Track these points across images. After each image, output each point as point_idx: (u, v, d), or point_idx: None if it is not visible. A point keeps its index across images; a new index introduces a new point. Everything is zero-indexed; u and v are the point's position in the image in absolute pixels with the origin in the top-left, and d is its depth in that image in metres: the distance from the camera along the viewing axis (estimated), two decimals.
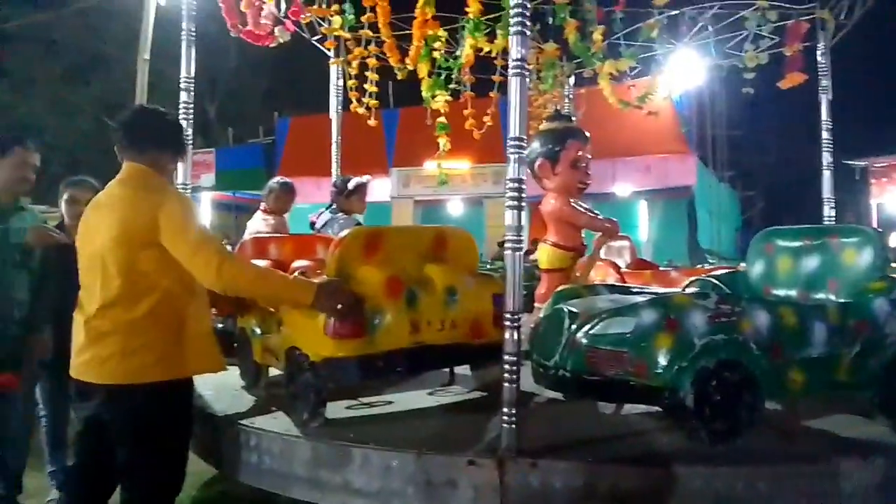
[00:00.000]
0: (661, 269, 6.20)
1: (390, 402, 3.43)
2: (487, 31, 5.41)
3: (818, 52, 5.48)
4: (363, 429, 2.98)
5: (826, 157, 5.56)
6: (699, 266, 7.66)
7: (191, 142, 4.16)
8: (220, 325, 4.27)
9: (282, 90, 23.87)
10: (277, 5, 5.24)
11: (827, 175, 5.56)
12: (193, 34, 4.12)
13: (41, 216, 3.92)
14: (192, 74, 4.12)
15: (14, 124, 18.52)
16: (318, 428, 2.96)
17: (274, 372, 3.64)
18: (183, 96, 4.11)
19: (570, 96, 7.25)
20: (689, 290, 3.43)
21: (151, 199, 2.46)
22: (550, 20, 5.91)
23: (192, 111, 4.14)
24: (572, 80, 7.20)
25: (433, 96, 5.90)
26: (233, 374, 3.93)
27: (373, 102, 6.23)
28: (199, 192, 16.31)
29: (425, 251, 3.35)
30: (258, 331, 3.57)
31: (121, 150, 2.58)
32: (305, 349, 3.01)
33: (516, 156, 2.63)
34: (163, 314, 2.46)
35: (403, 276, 3.11)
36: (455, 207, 17.38)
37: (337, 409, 3.22)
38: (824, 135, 5.53)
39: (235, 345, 4.00)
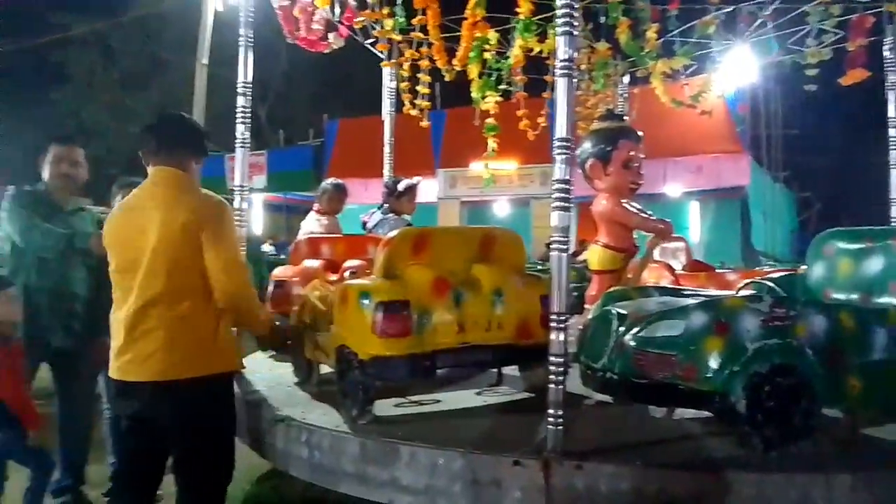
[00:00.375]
0: (717, 271, 6.05)
1: (438, 401, 3.46)
2: (538, 31, 5.38)
3: (885, 47, 5.26)
4: (411, 427, 3.02)
5: (893, 156, 5.34)
6: (756, 268, 7.44)
7: (248, 144, 4.28)
8: (277, 322, 4.39)
9: (330, 93, 24.17)
10: (332, 10, 5.33)
11: (894, 174, 5.34)
12: (251, 40, 4.23)
13: (100, 217, 4.09)
14: (250, 79, 4.24)
15: (76, 128, 19.33)
16: (366, 425, 3.02)
17: (326, 368, 3.71)
18: (240, 101, 4.22)
19: (625, 95, 7.15)
20: (742, 293, 3.35)
21: (193, 201, 2.58)
22: (603, 19, 5.84)
23: (249, 115, 4.26)
24: (626, 79, 7.09)
25: (483, 97, 5.90)
26: (287, 370, 4.05)
27: (425, 104, 6.27)
28: (251, 194, 16.73)
29: (473, 252, 3.37)
30: (310, 329, 3.66)
31: (149, 153, 2.66)
32: (354, 347, 3.07)
33: (563, 157, 2.62)
34: (201, 312, 2.55)
35: (450, 277, 3.14)
36: (501, 208, 17.32)
37: (386, 407, 3.27)
38: (891, 132, 5.31)
39: (289, 342, 4.11)
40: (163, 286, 2.49)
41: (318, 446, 3.02)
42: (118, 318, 2.57)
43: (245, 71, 4.23)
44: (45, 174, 3.74)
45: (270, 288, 4.53)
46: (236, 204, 4.20)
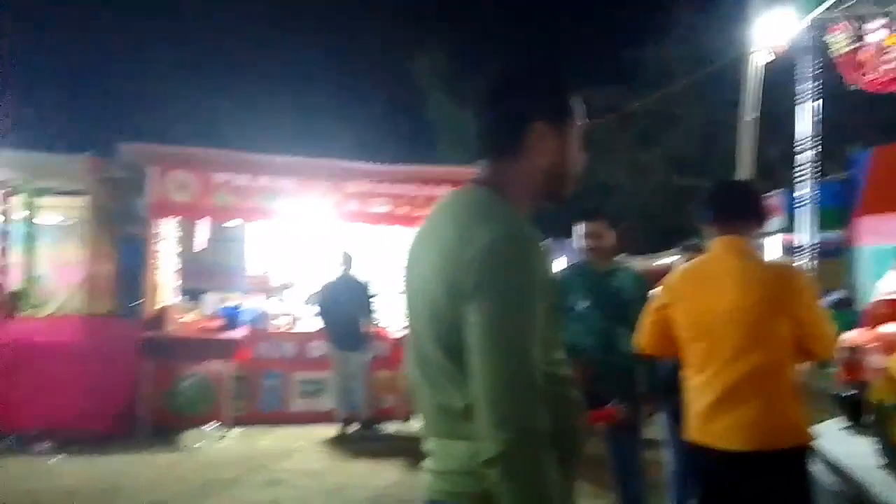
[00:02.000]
0: None
1: None
2: None
3: None
4: None
5: None
6: None
7: (814, 202, 4.11)
8: (851, 392, 4.06)
9: (848, 121, 21.62)
10: None
11: None
12: (819, 90, 4.05)
13: (635, 273, 4.30)
14: (816, 133, 4.07)
15: (595, 187, 21.57)
16: None
17: None
18: (802, 157, 4.09)
19: None
20: None
21: (782, 271, 2.53)
22: None
23: (817, 174, 4.09)
24: None
25: None
26: (866, 447, 3.66)
27: None
28: (769, 236, 15.97)
29: None
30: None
31: (707, 222, 2.64)
32: None
33: None
34: (788, 378, 2.46)
35: None
36: None
37: None
38: None
39: (863, 416, 3.73)
40: (757, 354, 2.46)
41: None
42: (700, 382, 2.57)
43: (807, 126, 4.09)
44: (577, 245, 4.18)
45: (840, 354, 4.19)
46: (805, 264, 4.05)
